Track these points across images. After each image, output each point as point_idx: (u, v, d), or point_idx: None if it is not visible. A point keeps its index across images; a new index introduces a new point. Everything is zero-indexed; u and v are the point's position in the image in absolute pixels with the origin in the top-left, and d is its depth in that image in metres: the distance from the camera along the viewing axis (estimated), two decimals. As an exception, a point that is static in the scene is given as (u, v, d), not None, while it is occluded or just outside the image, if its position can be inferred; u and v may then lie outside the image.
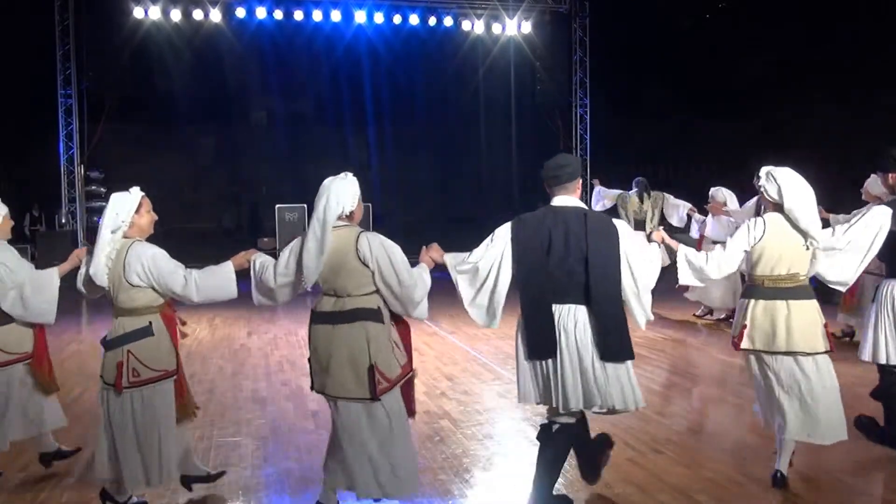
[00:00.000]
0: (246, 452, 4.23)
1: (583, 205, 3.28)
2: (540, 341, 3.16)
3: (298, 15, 13.44)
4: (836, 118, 17.18)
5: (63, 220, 12.82)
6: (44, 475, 3.92)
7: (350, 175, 3.23)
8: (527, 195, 10.23)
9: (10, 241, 14.06)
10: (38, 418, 3.85)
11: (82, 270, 3.46)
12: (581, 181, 3.31)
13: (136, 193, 3.40)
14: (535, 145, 19.01)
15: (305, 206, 15.60)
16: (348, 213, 3.14)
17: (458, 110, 21.19)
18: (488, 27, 14.50)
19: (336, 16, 13.55)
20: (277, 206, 15.48)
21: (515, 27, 14.54)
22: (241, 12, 13.18)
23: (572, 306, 3.15)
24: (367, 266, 3.07)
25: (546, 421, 3.34)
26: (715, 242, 6.28)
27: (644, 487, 3.61)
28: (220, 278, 3.39)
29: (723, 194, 7.96)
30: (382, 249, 3.08)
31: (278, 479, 3.82)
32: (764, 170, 3.51)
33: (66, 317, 9.48)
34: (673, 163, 22.51)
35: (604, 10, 15.49)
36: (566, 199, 3.23)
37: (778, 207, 3.45)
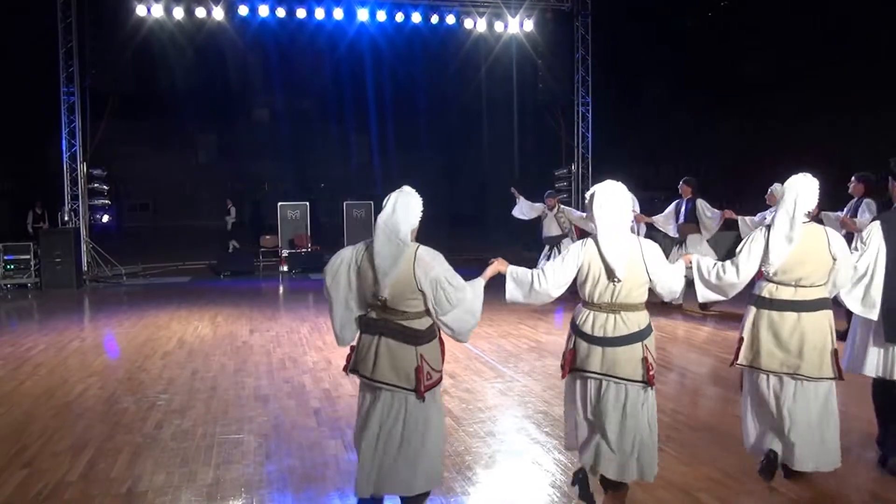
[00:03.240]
0: (248, 449, 4.23)
1: None
2: None
3: (301, 13, 13.42)
4: (837, 118, 17.15)
5: (66, 218, 12.82)
6: (46, 473, 3.93)
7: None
8: (528, 192, 10.23)
9: (11, 239, 14.01)
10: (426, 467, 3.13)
11: (569, 269, 3.26)
12: None
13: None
14: (537, 143, 18.99)
15: (308, 203, 15.65)
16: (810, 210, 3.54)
17: (460, 108, 21.20)
18: (490, 25, 14.47)
19: (338, 14, 13.53)
20: (280, 203, 15.49)
21: (518, 25, 14.52)
22: (243, 10, 13.15)
23: None
24: (835, 260, 3.53)
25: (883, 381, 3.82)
26: None
27: (644, 484, 3.61)
28: None
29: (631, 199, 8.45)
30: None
31: (280, 476, 3.83)
32: None
33: (67, 314, 9.52)
34: (674, 161, 22.52)
35: (606, 9, 15.46)
36: None
37: None
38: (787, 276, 3.50)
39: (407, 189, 3.17)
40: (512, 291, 3.33)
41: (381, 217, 3.07)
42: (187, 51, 13.55)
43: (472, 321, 3.16)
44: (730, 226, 8.71)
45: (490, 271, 3.30)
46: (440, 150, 25.83)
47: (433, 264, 3.06)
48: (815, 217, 7.46)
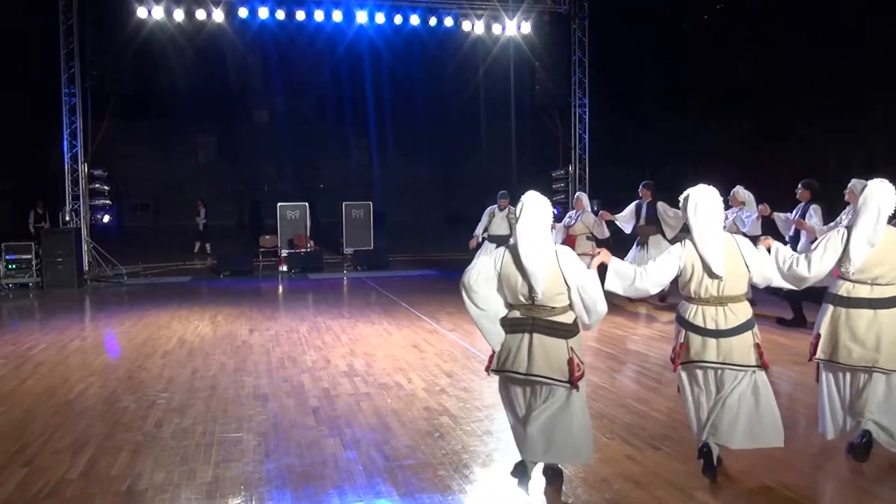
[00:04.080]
0: (247, 448, 4.27)
1: None
2: None
3: (300, 15, 13.47)
4: (833, 120, 17.20)
5: (67, 218, 12.85)
6: (46, 471, 3.96)
7: None
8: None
9: (13, 239, 14.05)
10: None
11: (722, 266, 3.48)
12: None
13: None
14: (534, 145, 19.07)
15: (307, 204, 15.71)
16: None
17: (458, 110, 21.26)
18: (488, 27, 14.52)
19: (337, 16, 13.58)
20: (279, 203, 15.55)
21: (515, 28, 14.57)
22: (243, 12, 13.20)
23: None
24: None
25: None
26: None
27: (642, 483, 3.65)
28: None
29: (587, 198, 9.98)
30: None
31: (279, 474, 3.87)
32: None
33: (68, 314, 9.56)
34: (671, 163, 22.59)
35: (603, 11, 15.54)
36: None
37: None
38: (864, 275, 3.73)
39: (533, 193, 3.44)
40: (612, 282, 3.61)
41: (521, 224, 3.34)
42: (187, 52, 13.61)
43: (604, 311, 3.41)
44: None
45: (596, 262, 3.55)
46: (438, 150, 25.90)
47: (574, 261, 3.36)
48: (768, 217, 7.97)
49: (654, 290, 3.62)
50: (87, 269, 12.85)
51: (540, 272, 3.25)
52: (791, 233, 7.79)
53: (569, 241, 9.77)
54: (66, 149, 12.89)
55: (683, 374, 3.66)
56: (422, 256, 16.40)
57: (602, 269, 3.56)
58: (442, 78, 18.41)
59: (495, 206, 10.13)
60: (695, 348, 3.51)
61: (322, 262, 14.86)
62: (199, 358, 6.73)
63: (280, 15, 13.35)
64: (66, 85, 12.71)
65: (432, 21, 14.10)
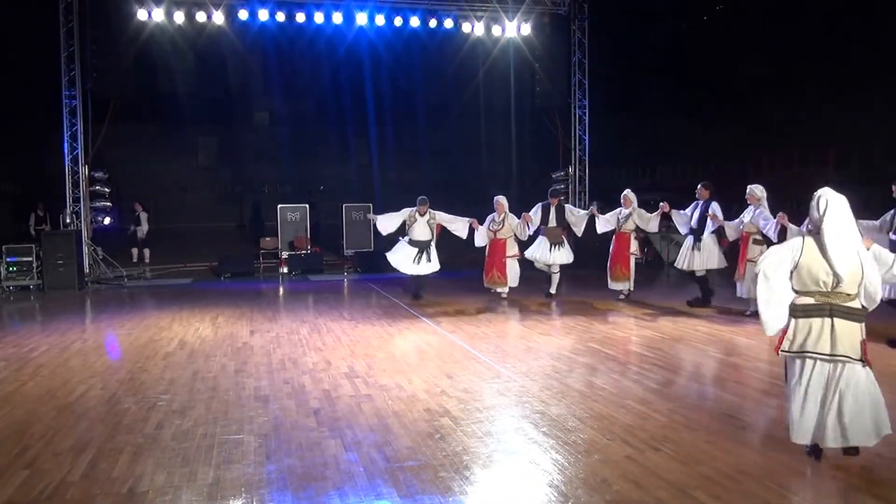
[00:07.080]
0: (248, 449, 4.27)
1: None
2: None
3: (300, 17, 13.50)
4: (833, 119, 17.21)
5: (68, 220, 12.87)
6: (47, 473, 3.96)
7: None
8: (526, 194, 10.45)
9: (13, 241, 14.08)
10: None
11: None
12: None
13: None
14: (534, 146, 19.08)
15: (307, 206, 15.71)
16: None
17: (459, 111, 21.25)
18: (488, 29, 14.55)
19: (337, 18, 13.61)
20: (280, 205, 15.57)
21: (515, 29, 14.60)
22: (243, 14, 13.24)
23: None
24: None
25: None
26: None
27: (642, 484, 3.65)
28: None
29: (506, 200, 10.29)
30: None
31: (280, 475, 3.87)
32: None
33: (69, 316, 9.57)
34: (671, 164, 22.62)
35: (603, 12, 15.57)
36: None
37: None
38: None
39: (831, 191, 3.75)
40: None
41: (830, 218, 3.66)
42: (188, 55, 13.64)
43: (879, 299, 3.79)
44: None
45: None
46: (438, 152, 25.87)
47: (868, 254, 3.74)
48: (666, 214, 9.11)
49: None
50: (87, 271, 12.87)
51: (847, 263, 3.60)
52: (694, 224, 8.93)
53: (499, 244, 10.03)
54: (66, 151, 12.91)
55: None
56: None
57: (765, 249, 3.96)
58: (442, 79, 18.40)
59: (413, 209, 10.08)
60: None
61: (322, 263, 14.86)
62: (199, 360, 6.74)
63: (280, 17, 13.39)
64: (66, 87, 12.73)
65: (432, 23, 14.12)
